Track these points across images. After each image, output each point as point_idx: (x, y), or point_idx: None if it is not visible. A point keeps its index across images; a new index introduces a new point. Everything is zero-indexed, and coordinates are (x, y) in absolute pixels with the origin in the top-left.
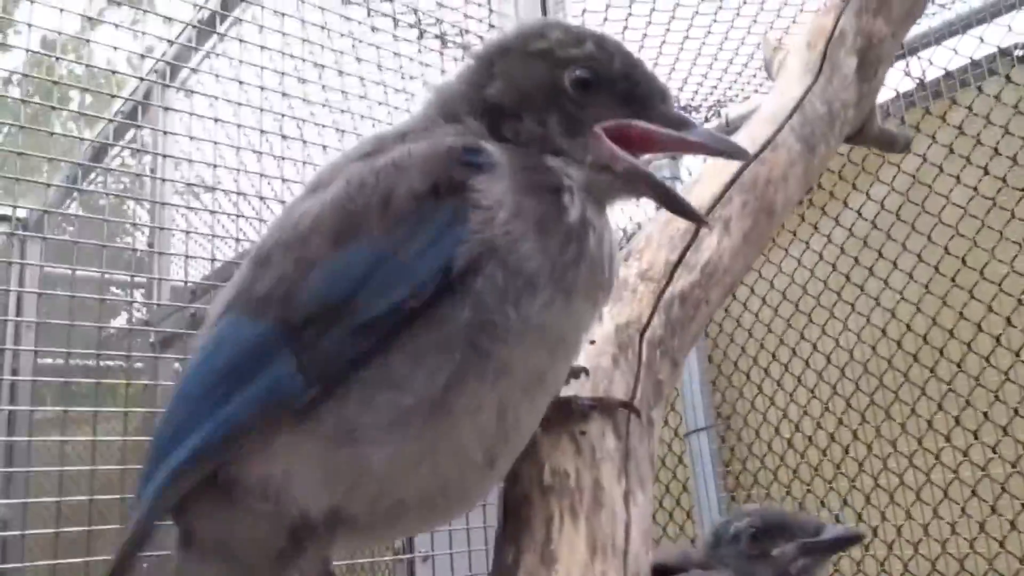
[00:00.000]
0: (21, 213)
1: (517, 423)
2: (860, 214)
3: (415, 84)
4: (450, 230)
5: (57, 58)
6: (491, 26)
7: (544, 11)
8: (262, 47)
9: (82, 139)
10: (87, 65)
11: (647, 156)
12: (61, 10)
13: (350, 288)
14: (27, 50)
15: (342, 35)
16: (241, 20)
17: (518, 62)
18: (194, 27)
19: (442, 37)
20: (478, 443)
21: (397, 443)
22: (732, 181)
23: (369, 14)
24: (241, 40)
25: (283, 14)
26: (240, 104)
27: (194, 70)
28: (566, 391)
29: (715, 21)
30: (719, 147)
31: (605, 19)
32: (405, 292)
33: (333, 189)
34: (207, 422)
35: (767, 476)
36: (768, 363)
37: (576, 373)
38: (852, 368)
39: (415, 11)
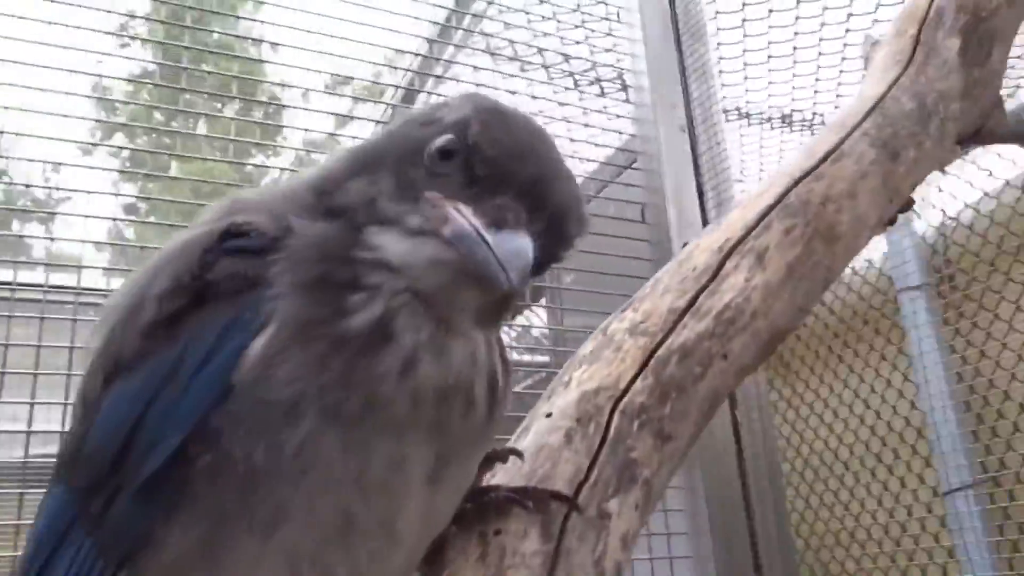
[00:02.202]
0: None
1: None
2: None
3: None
4: (218, 345)
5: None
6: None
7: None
8: None
9: None
10: None
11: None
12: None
13: (122, 439)
14: (294, 149)
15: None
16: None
17: (412, 127)
18: None
19: (599, 82)
20: None
21: None
22: (774, 204)
23: (523, 68)
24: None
25: (457, 80)
26: None
27: None
28: (497, 478)
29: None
30: (476, 257)
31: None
32: (179, 435)
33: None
34: None
35: None
36: None
37: (502, 457)
38: None
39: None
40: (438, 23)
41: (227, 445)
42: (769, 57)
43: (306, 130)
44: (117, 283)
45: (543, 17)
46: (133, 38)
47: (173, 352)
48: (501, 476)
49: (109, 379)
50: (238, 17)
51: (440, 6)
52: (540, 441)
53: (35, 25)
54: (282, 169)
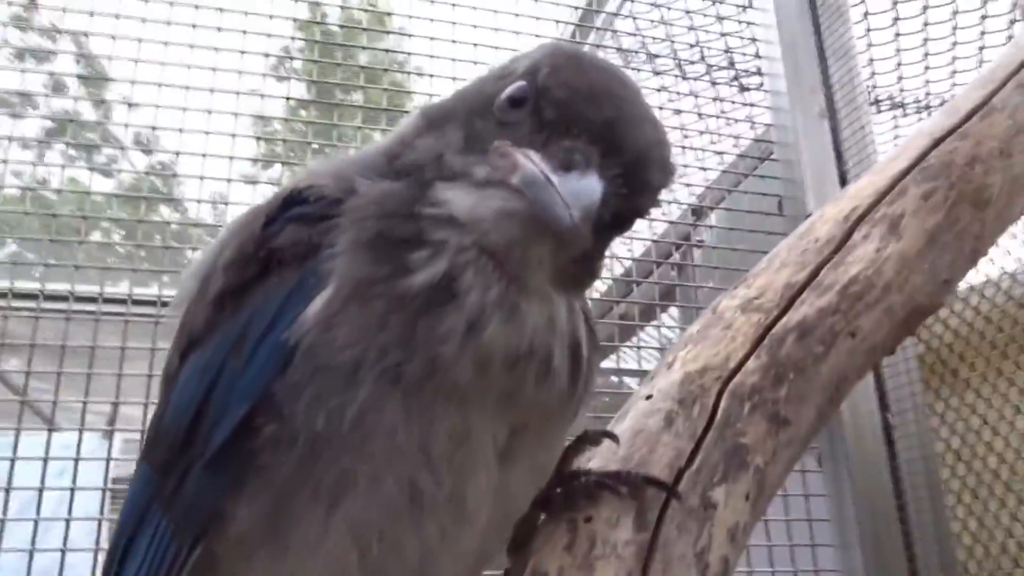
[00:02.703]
0: None
1: (396, 557)
2: None
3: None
4: (281, 312)
5: None
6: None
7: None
8: None
9: None
10: None
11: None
12: None
13: (192, 413)
14: None
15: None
16: None
17: (477, 84)
18: None
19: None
20: None
21: None
22: (910, 167)
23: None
24: None
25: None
26: None
27: None
28: (591, 463)
29: None
30: (542, 202)
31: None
32: (245, 407)
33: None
34: None
35: None
36: None
37: (595, 440)
38: None
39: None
40: (572, 23)
41: (289, 414)
42: (925, 40)
43: None
44: None
45: (664, 8)
46: (285, 77)
47: (239, 322)
48: (595, 461)
49: (184, 354)
50: (387, 50)
51: (574, 6)
52: (638, 424)
53: (203, 74)
54: None
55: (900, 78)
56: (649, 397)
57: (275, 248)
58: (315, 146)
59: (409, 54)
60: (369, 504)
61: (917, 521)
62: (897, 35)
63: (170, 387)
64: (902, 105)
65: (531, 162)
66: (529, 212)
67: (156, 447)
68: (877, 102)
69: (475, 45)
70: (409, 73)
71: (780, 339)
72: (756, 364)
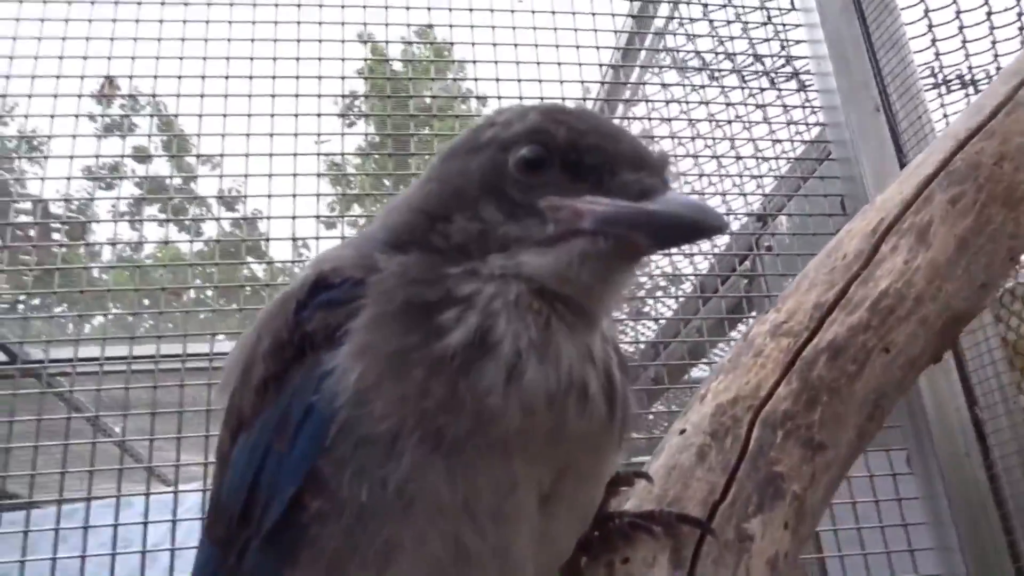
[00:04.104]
0: None
1: None
2: None
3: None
4: (318, 392)
5: None
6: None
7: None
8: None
9: None
10: None
11: None
12: None
13: (245, 492)
14: None
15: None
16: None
17: (460, 159)
18: None
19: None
20: None
21: None
22: (935, 173)
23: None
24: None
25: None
26: None
27: None
28: (627, 504)
29: None
30: (689, 215)
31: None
32: (293, 486)
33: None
34: None
35: None
36: None
37: (629, 481)
38: None
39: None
40: (620, 48)
41: (335, 487)
42: (988, 14)
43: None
44: None
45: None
46: (355, 116)
47: (280, 406)
48: (631, 502)
49: (235, 436)
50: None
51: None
52: (671, 461)
53: (282, 120)
54: None
55: (967, 55)
56: (683, 432)
57: (308, 332)
58: (387, 182)
59: (476, 79)
60: (416, 566)
61: (1021, 519)
62: (958, 13)
63: (224, 467)
64: (973, 82)
65: (598, 205)
66: (611, 248)
67: (216, 524)
68: (946, 82)
69: (537, 64)
70: (473, 96)
71: (811, 362)
72: (787, 390)
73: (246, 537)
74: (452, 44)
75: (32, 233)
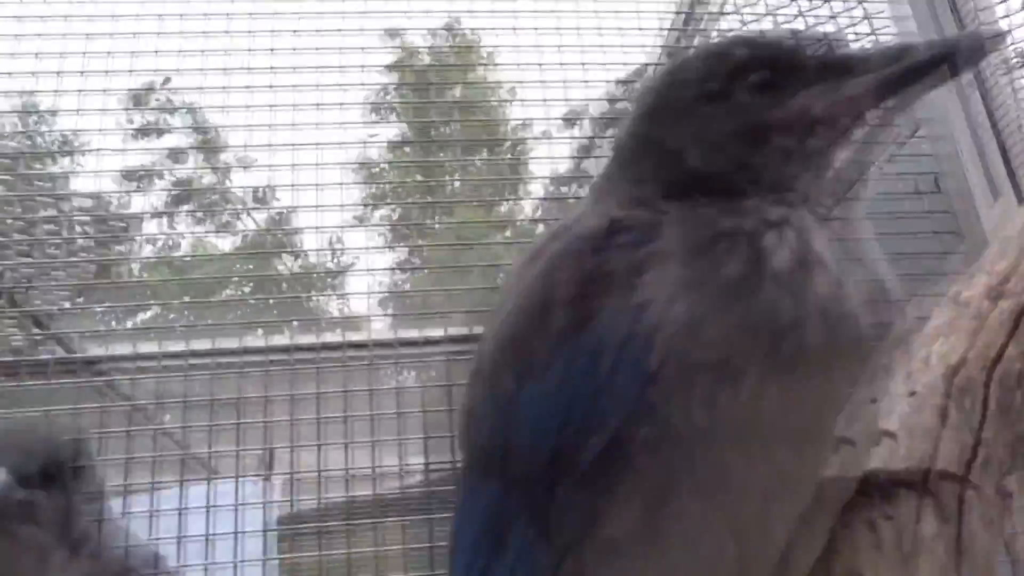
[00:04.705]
0: None
1: (766, 541)
2: None
3: None
4: (634, 326)
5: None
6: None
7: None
8: None
9: None
10: None
11: None
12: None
13: (554, 433)
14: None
15: None
16: None
17: (693, 109)
18: None
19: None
20: None
21: None
22: None
23: None
24: None
25: None
26: None
27: None
28: (872, 463)
29: None
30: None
31: None
32: (617, 419)
33: (509, 304)
34: None
35: None
36: None
37: (875, 438)
38: None
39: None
40: (674, 29)
41: (663, 417)
42: None
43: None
44: (404, 333)
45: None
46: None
47: (589, 344)
48: (875, 460)
49: (522, 383)
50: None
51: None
52: (911, 421)
53: (308, 112)
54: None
55: None
56: (913, 394)
57: (610, 272)
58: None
59: (499, 83)
60: (746, 493)
61: None
62: None
63: (509, 410)
64: None
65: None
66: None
67: (507, 468)
68: None
69: (561, 65)
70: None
71: None
72: (1016, 351)
73: (555, 475)
74: (487, 30)
75: (88, 230)
